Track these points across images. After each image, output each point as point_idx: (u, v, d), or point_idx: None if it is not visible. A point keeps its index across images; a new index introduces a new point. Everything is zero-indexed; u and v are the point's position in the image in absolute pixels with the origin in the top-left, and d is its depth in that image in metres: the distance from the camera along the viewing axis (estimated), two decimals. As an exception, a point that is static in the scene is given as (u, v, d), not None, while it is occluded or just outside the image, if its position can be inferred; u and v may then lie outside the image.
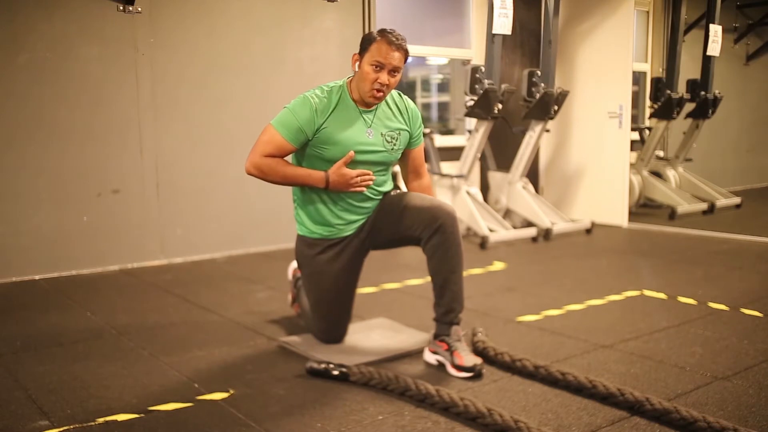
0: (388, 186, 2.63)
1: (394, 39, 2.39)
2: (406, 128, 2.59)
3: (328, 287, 2.62)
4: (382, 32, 2.41)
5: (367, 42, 2.43)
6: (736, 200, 6.89)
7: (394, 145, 2.55)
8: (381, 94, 2.43)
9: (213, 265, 4.46)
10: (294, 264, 3.11)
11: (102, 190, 4.26)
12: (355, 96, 2.49)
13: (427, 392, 2.16)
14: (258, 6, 4.72)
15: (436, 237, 2.42)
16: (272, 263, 4.44)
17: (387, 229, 2.56)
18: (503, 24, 4.95)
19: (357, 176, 2.45)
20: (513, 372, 2.43)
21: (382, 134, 2.52)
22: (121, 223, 4.33)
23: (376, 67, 2.39)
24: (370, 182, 2.49)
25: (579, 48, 6.14)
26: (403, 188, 2.78)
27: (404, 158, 2.67)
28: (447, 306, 2.48)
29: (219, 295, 3.62)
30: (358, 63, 2.45)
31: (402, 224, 2.50)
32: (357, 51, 2.46)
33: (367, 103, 2.49)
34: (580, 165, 6.21)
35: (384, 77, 2.39)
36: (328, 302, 2.64)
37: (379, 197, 2.59)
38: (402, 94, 2.64)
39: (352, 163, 2.46)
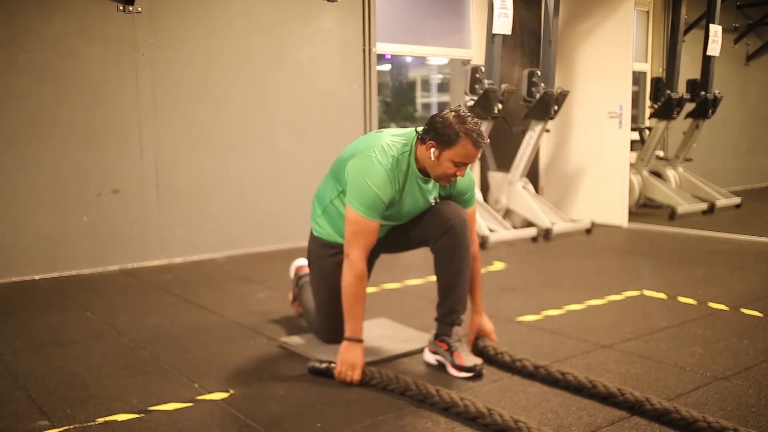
0: None
1: (480, 140, 2.29)
2: (449, 191, 2.54)
3: (335, 289, 2.61)
4: (466, 129, 2.26)
5: (451, 137, 2.26)
6: (736, 200, 6.89)
7: (437, 201, 2.53)
8: (453, 181, 2.40)
9: (213, 265, 4.46)
10: (297, 262, 3.11)
11: (102, 190, 4.26)
12: (420, 166, 2.41)
13: (427, 392, 2.16)
14: (258, 6, 4.72)
15: (445, 238, 2.43)
16: (272, 263, 4.44)
17: (401, 234, 2.58)
18: (503, 24, 4.95)
19: (349, 376, 2.33)
20: (513, 372, 2.43)
21: (435, 198, 2.50)
22: (121, 223, 4.33)
23: (457, 165, 2.32)
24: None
25: (579, 48, 6.14)
26: None
27: None
28: (450, 307, 2.48)
29: (219, 295, 3.62)
30: (435, 152, 2.30)
31: (414, 227, 2.53)
32: (431, 137, 2.31)
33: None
34: (580, 165, 6.21)
35: (462, 171, 2.35)
36: (334, 303, 2.63)
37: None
38: None
39: (394, 212, 2.45)
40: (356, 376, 2.33)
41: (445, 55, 6.18)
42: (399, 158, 2.38)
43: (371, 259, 2.69)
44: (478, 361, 2.41)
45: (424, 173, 2.42)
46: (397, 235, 2.59)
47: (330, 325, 2.69)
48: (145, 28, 4.30)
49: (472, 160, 2.33)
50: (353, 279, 2.35)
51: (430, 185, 2.47)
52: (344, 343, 2.39)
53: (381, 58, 5.67)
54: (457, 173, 2.34)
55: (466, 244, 2.45)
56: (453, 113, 2.30)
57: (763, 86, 8.75)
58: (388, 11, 5.53)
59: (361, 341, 2.39)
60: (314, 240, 2.69)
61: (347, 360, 2.35)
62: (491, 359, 2.51)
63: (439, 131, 2.29)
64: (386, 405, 2.16)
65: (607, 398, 2.15)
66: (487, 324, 2.65)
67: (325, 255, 2.62)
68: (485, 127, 5.18)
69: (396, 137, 2.43)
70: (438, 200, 2.52)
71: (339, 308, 2.63)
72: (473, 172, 5.67)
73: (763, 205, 7.53)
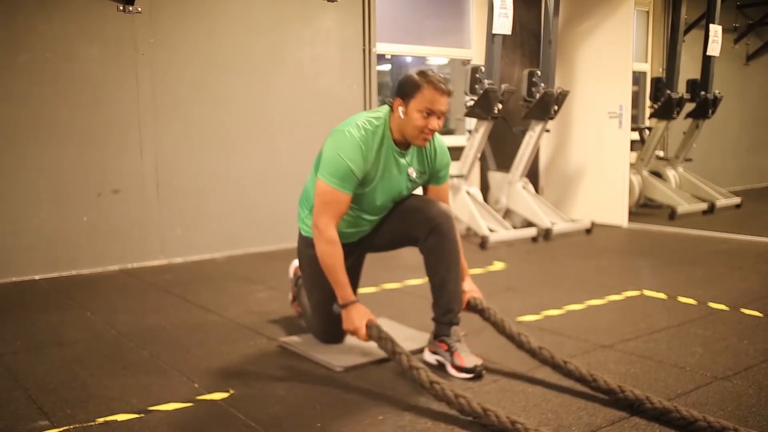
0: None
1: (442, 85, 2.33)
2: (429, 169, 2.57)
3: (328, 287, 2.61)
4: (426, 78, 2.33)
5: (412, 87, 2.34)
6: (736, 200, 6.89)
7: (417, 182, 2.56)
8: (430, 137, 2.41)
9: (213, 265, 4.46)
10: (296, 262, 3.10)
11: (102, 190, 4.26)
12: (397, 136, 2.43)
13: (421, 383, 2.14)
14: (258, 6, 4.72)
15: (432, 237, 2.43)
16: (272, 263, 4.44)
17: (387, 232, 2.58)
18: (503, 24, 4.96)
19: (358, 333, 2.38)
20: (514, 344, 2.44)
21: (415, 172, 2.51)
22: (121, 223, 4.33)
23: (425, 114, 2.34)
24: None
25: (579, 48, 6.14)
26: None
27: (425, 192, 2.65)
28: (445, 306, 2.48)
29: (219, 295, 3.62)
30: (402, 108, 2.37)
31: (400, 225, 2.52)
32: (397, 95, 2.38)
33: (407, 144, 2.46)
34: (580, 165, 6.21)
35: (434, 123, 2.35)
36: (329, 302, 2.64)
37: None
38: (436, 134, 2.57)
39: (373, 191, 2.45)
40: (361, 336, 2.37)
41: (445, 55, 6.18)
42: (373, 131, 2.41)
43: (359, 261, 2.70)
44: (478, 361, 2.41)
45: (401, 147, 2.45)
46: (381, 233, 2.58)
47: (326, 325, 2.69)
48: (145, 28, 4.30)
49: (438, 106, 2.33)
50: (325, 246, 2.37)
51: (407, 159, 2.48)
52: (342, 313, 2.42)
53: (381, 58, 5.67)
54: (430, 125, 2.34)
55: (453, 239, 2.45)
56: (416, 71, 2.38)
57: (763, 86, 8.75)
58: (388, 11, 5.53)
59: (354, 302, 2.40)
60: (303, 240, 2.68)
61: (349, 328, 2.41)
62: (493, 323, 2.52)
63: (402, 87, 2.38)
64: (386, 405, 2.16)
65: (607, 394, 2.14)
66: (476, 289, 2.65)
67: (315, 254, 2.61)
68: (485, 127, 5.18)
69: (371, 114, 2.47)
70: (417, 175, 2.52)
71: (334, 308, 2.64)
72: (473, 171, 5.71)
73: (763, 205, 7.53)
